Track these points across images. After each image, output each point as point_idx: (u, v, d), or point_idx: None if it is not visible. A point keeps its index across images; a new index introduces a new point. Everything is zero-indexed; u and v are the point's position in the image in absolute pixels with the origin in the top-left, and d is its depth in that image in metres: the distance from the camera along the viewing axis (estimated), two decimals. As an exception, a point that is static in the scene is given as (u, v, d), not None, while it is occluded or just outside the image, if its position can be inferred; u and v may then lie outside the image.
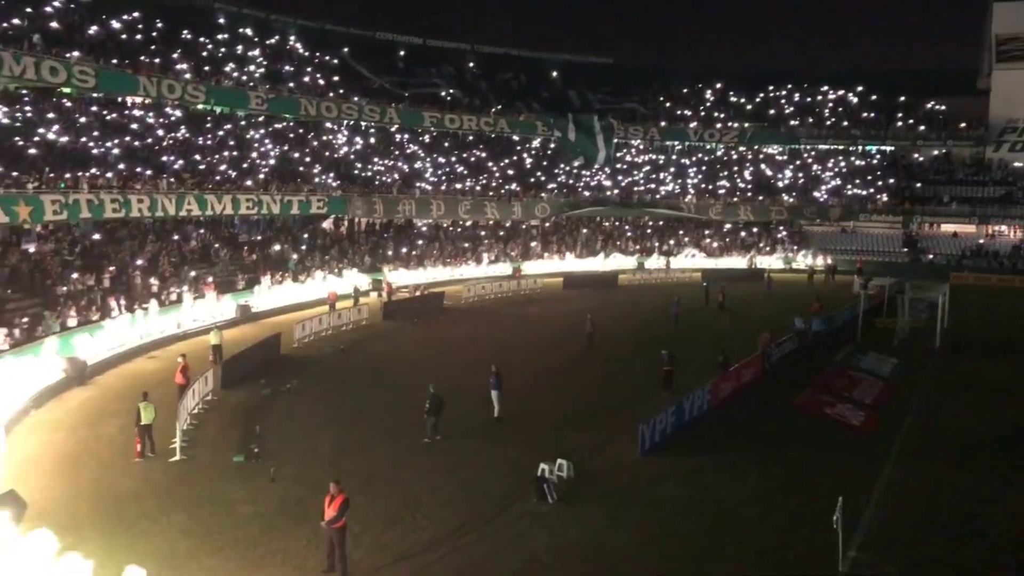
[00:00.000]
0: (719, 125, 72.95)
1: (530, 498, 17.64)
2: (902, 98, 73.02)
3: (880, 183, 68.69)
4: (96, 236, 39.25)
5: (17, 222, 33.87)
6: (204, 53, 54.78)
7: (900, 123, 71.51)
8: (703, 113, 74.81)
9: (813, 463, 20.32)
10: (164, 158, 45.74)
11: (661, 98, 76.30)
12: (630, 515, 17.09)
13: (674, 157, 74.02)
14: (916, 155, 72.09)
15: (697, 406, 23.98)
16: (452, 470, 19.53)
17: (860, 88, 74.88)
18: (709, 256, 63.69)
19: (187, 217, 43.84)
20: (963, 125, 70.07)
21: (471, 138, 67.86)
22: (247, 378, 27.22)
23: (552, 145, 70.03)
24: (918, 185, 68.36)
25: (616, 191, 68.17)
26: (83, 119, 43.89)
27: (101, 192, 37.64)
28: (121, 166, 41.93)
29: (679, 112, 74.78)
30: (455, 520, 16.61)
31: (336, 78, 62.42)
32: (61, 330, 28.49)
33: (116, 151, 43.24)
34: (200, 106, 51.45)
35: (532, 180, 66.77)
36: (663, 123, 73.03)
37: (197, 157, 48.08)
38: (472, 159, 66.63)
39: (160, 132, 48.04)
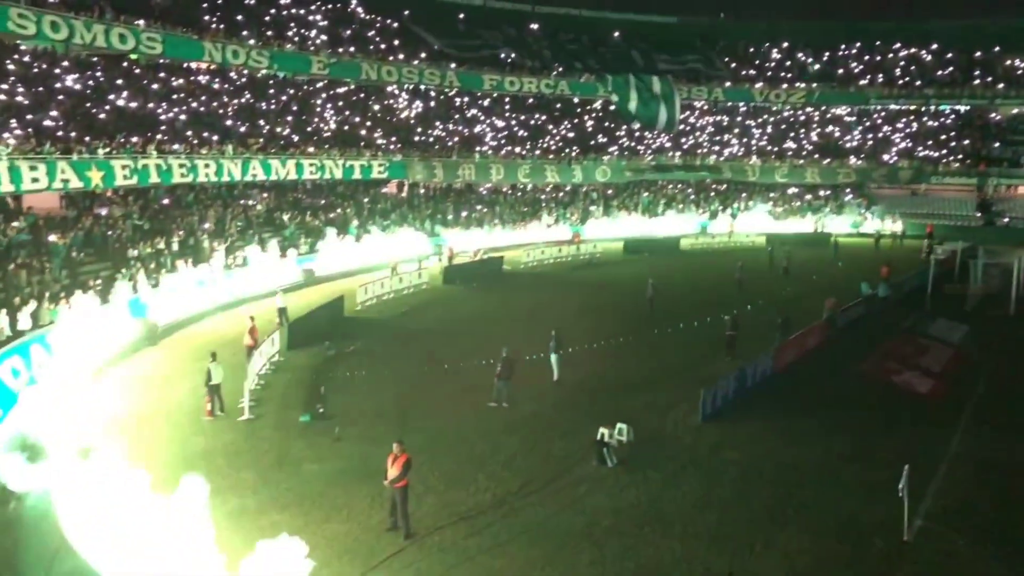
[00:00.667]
0: (785, 85, 71.15)
1: (590, 461, 17.74)
2: (979, 54, 70.13)
3: (953, 144, 66.37)
4: (165, 200, 40.19)
5: (90, 187, 34.82)
6: (267, 18, 55.22)
7: (977, 81, 68.73)
8: (769, 73, 73.02)
9: (879, 431, 20.00)
10: (229, 123, 46.45)
11: (726, 58, 74.61)
12: (690, 479, 17.07)
13: (739, 119, 72.57)
14: (993, 114, 69.32)
15: (760, 372, 23.71)
16: (513, 432, 19.71)
17: (934, 45, 72.12)
18: (775, 220, 62.53)
19: (252, 182, 44.55)
20: (1046, 82, 67.04)
21: (531, 101, 67.37)
22: (312, 340, 27.69)
23: (612, 107, 69.15)
24: (995, 145, 65.76)
25: (678, 153, 67.18)
26: (152, 85, 44.74)
27: (169, 157, 38.45)
28: (188, 132, 42.73)
29: (744, 72, 73.10)
30: (516, 481, 16.81)
31: (396, 42, 62.38)
32: (133, 292, 29.31)
33: (183, 117, 44.05)
34: (263, 71, 52.01)
35: (592, 143, 66.15)
36: (727, 83, 71.47)
37: (261, 122, 48.72)
38: (532, 122, 66.22)
39: (225, 97, 48.75)
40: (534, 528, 14.83)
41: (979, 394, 23.15)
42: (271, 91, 52.48)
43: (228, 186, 43.94)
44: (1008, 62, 69.18)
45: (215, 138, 43.42)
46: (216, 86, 48.95)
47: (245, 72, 50.90)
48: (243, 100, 49.66)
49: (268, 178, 44.68)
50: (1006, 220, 59.88)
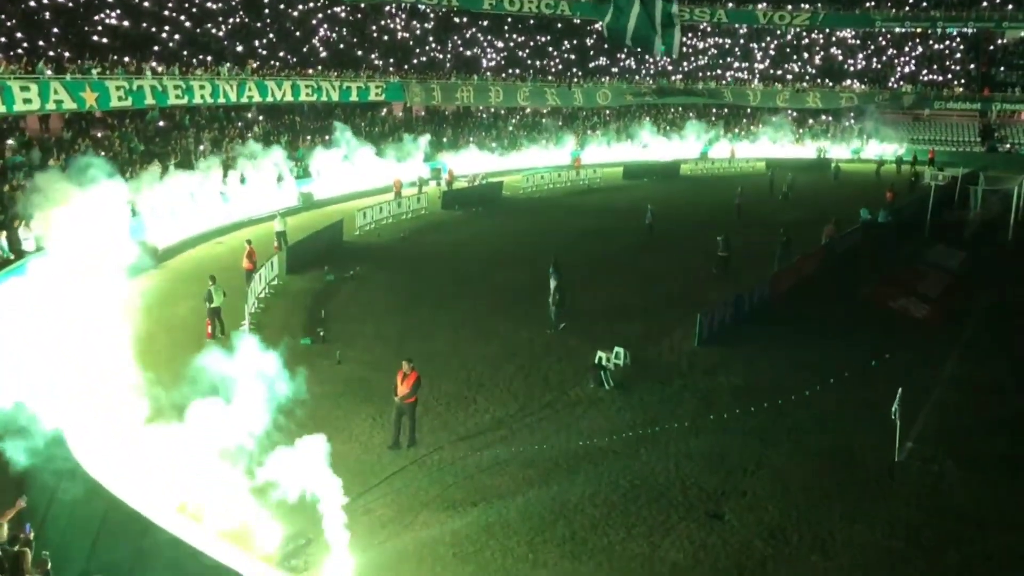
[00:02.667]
0: (790, 7, 69.64)
1: (587, 384, 17.98)
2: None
3: (958, 68, 65.37)
4: (161, 123, 39.73)
5: (84, 109, 34.38)
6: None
7: (985, 3, 67.24)
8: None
9: (874, 355, 20.17)
10: (225, 43, 45.61)
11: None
12: (685, 402, 17.34)
13: (741, 41, 71.26)
14: (1000, 39, 68.05)
15: (757, 297, 23.84)
16: (512, 356, 19.91)
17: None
18: (775, 144, 61.93)
19: (248, 104, 43.97)
20: (1056, 5, 65.63)
21: (531, 21, 66.02)
22: (310, 264, 27.79)
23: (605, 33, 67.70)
24: (1001, 69, 64.82)
25: (680, 77, 66.21)
26: (145, 4, 43.73)
27: (164, 79, 37.87)
28: (185, 52, 42.00)
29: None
30: (514, 403, 17.07)
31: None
32: (132, 215, 29.18)
33: (177, 37, 43.23)
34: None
35: (593, 65, 65.10)
36: (730, 4, 69.97)
37: (257, 43, 47.85)
38: (532, 43, 65.01)
39: (220, 18, 47.77)
40: (532, 448, 15.10)
41: (975, 320, 23.34)
42: (266, 11, 51.42)
43: (224, 108, 43.41)
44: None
45: (210, 59, 42.72)
46: (210, 5, 47.92)
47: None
48: (238, 20, 48.68)
49: (264, 100, 44.07)
50: (1008, 146, 59.42)
